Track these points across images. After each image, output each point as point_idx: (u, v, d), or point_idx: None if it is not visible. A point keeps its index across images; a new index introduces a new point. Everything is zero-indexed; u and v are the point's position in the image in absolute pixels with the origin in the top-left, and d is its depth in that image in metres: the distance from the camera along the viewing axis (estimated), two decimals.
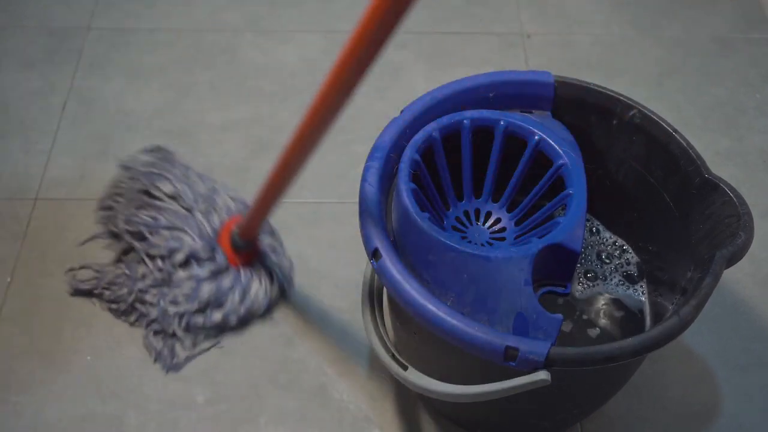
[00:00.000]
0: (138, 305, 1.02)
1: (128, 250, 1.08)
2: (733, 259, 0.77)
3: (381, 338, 0.85)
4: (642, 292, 0.94)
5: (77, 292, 1.05)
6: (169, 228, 1.05)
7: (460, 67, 1.33)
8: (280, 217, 1.14)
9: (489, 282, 0.77)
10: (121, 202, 1.09)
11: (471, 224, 0.91)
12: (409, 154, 0.84)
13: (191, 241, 1.03)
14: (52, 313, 1.04)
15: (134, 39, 1.36)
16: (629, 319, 0.93)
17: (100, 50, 1.34)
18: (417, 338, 0.84)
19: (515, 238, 0.89)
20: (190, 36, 1.37)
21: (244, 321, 1.03)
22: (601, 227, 0.98)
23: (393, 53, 1.34)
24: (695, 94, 1.30)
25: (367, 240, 0.79)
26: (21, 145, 1.22)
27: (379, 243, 0.78)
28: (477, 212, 0.92)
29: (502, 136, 0.88)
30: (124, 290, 1.03)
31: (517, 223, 0.91)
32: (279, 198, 0.90)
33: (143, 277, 1.04)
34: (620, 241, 0.97)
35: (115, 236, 1.09)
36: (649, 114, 0.88)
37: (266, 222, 1.04)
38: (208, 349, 1.01)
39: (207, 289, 1.01)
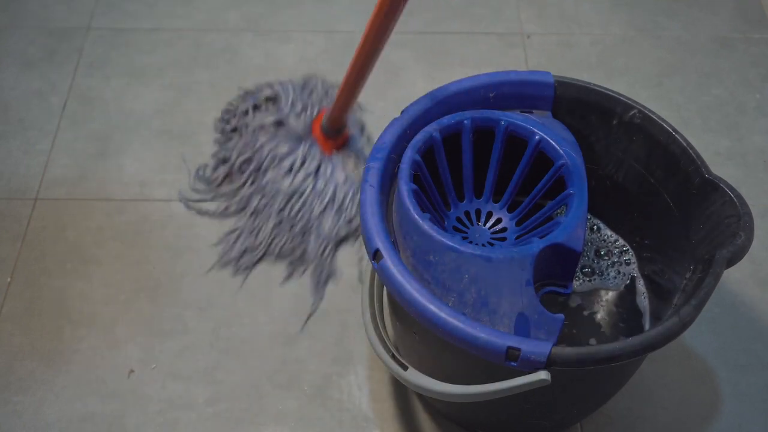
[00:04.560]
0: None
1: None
2: (733, 259, 0.77)
3: (381, 338, 0.85)
4: (642, 292, 0.94)
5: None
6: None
7: (460, 67, 1.33)
8: None
9: (490, 282, 0.77)
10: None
11: (472, 224, 0.91)
12: (409, 154, 0.84)
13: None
14: (52, 313, 1.04)
15: (134, 39, 1.36)
16: (629, 318, 0.93)
17: (100, 50, 1.34)
18: (417, 338, 0.84)
19: (516, 239, 0.89)
20: (190, 36, 1.36)
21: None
22: (601, 225, 0.98)
23: (393, 53, 1.34)
24: (695, 94, 1.30)
25: (368, 241, 0.79)
26: (21, 145, 1.22)
27: (380, 244, 0.78)
28: (478, 212, 0.92)
29: (502, 136, 0.88)
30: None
31: (518, 224, 0.91)
32: (357, 90, 1.04)
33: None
34: (621, 241, 0.97)
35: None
36: (649, 114, 0.88)
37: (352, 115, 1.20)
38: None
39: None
